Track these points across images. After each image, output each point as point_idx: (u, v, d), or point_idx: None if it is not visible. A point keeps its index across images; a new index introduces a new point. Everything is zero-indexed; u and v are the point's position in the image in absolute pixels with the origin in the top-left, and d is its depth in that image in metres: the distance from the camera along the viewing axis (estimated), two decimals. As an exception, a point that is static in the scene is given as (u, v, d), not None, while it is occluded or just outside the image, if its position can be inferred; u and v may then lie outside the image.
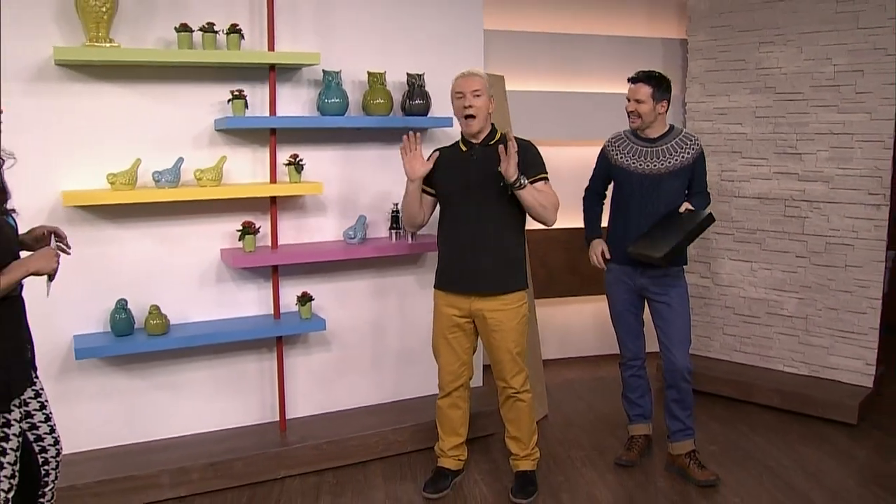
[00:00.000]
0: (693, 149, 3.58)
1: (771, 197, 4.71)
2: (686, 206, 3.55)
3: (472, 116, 3.26)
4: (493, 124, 3.40)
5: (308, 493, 3.55)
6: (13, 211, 2.29)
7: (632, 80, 3.59)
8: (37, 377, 2.46)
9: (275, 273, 3.86)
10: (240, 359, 3.89)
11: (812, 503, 3.44)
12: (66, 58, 3.24)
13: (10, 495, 2.24)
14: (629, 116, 3.61)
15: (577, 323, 5.57)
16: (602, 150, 3.78)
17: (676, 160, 3.55)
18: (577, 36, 5.21)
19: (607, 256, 3.73)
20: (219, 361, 3.84)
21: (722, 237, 4.94)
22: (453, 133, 4.18)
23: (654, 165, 3.57)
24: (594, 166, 3.85)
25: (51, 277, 2.30)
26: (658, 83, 3.55)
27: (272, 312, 3.89)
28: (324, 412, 4.10)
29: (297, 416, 4.02)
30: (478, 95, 3.25)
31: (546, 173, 3.34)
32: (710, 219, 3.54)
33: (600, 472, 3.77)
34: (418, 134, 3.38)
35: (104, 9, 3.21)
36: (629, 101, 3.58)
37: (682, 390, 3.65)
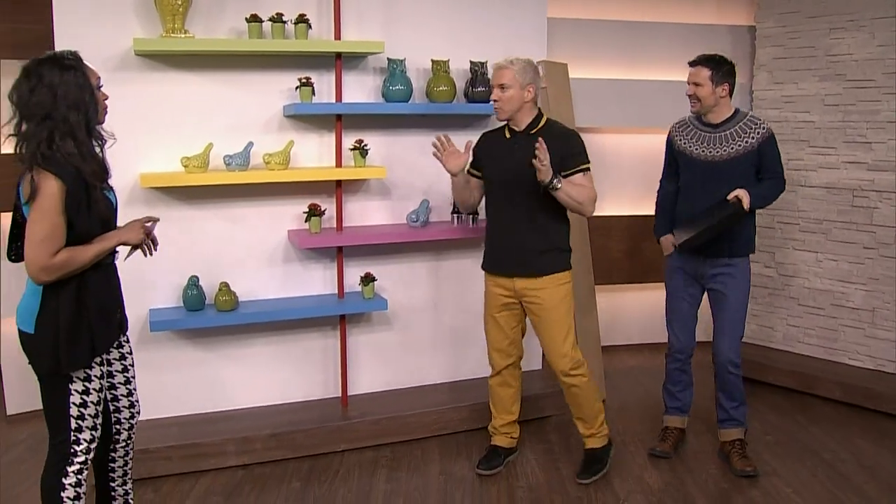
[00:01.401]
0: (758, 133, 3.49)
1: (839, 187, 4.63)
2: (736, 193, 3.41)
3: (497, 108, 3.37)
4: (540, 111, 3.42)
5: (365, 467, 3.70)
6: (112, 188, 2.53)
7: (691, 64, 3.57)
8: (126, 341, 2.67)
9: (339, 254, 4.01)
10: (304, 336, 4.06)
11: (866, 496, 3.41)
12: (144, 48, 3.45)
13: (93, 446, 2.46)
14: (690, 101, 3.58)
15: (638, 310, 5.57)
16: (668, 136, 3.77)
17: (739, 146, 3.49)
18: (644, 23, 5.19)
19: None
20: (284, 338, 4.02)
21: (787, 227, 4.88)
22: (514, 120, 4.27)
23: (716, 152, 3.53)
24: (664, 156, 3.82)
25: (134, 248, 2.53)
26: (717, 66, 3.50)
27: (336, 292, 4.04)
28: (384, 390, 4.25)
29: (358, 393, 4.17)
30: (505, 88, 3.31)
31: (585, 164, 3.35)
32: (737, 216, 3.40)
33: (652, 457, 3.80)
34: (443, 135, 3.47)
35: (180, 2, 3.40)
36: (689, 84, 3.56)
37: (728, 381, 3.65)
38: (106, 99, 2.48)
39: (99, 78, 2.42)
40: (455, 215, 4.15)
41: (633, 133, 5.23)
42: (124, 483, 2.73)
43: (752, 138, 3.49)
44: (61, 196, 2.24)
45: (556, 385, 4.29)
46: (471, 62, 4.07)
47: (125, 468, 2.72)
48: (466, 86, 4.10)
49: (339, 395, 4.10)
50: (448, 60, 4.02)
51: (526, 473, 3.64)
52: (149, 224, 2.57)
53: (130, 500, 2.78)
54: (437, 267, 4.29)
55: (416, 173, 4.16)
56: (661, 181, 3.86)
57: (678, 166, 3.71)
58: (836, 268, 4.69)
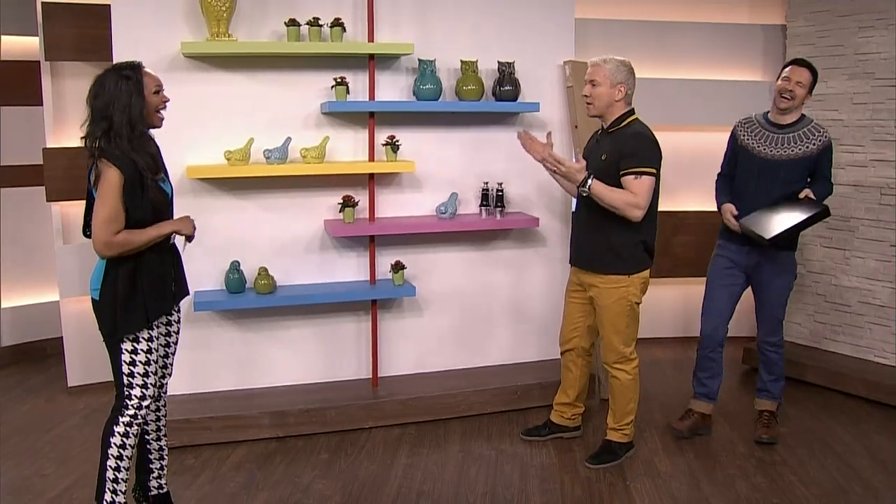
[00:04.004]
0: (820, 140, 3.70)
1: (866, 185, 4.67)
2: (807, 192, 3.64)
3: (589, 104, 3.52)
4: (626, 113, 3.49)
5: (390, 443, 3.94)
6: (168, 180, 2.90)
7: (796, 63, 3.73)
8: (178, 311, 3.01)
9: (371, 243, 4.26)
10: (338, 319, 4.32)
11: (871, 487, 3.50)
12: (191, 51, 3.77)
13: (144, 403, 2.80)
14: (780, 95, 3.70)
15: (668, 304, 5.67)
16: (732, 131, 3.95)
17: (801, 149, 3.69)
18: (675, 23, 5.30)
19: (735, 213, 3.79)
20: (319, 321, 4.29)
21: (815, 224, 4.92)
22: (541, 117, 4.46)
23: (778, 152, 3.72)
24: (725, 149, 3.99)
25: (188, 239, 2.92)
26: (816, 75, 3.72)
27: (368, 278, 4.29)
28: (413, 372, 4.48)
29: (388, 375, 4.42)
30: (596, 85, 3.45)
31: (636, 167, 3.35)
32: (826, 212, 3.64)
33: (665, 443, 3.95)
34: (522, 131, 3.66)
35: (224, 7, 3.69)
36: (787, 80, 3.68)
37: (767, 357, 3.95)
38: (166, 101, 2.83)
39: (159, 83, 2.79)
40: (483, 207, 4.35)
41: (664, 131, 5.32)
42: (158, 439, 3.05)
43: (814, 144, 3.70)
44: (119, 183, 2.62)
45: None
46: (499, 62, 4.26)
47: (158, 423, 3.04)
48: (494, 85, 4.29)
49: (370, 375, 4.35)
50: (477, 61, 4.22)
51: (541, 453, 3.83)
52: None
53: (165, 455, 3.10)
54: (465, 257, 4.50)
55: (446, 168, 4.37)
56: (718, 175, 4.01)
57: (737, 161, 3.88)
58: (863, 265, 4.73)
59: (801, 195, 3.63)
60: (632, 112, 3.52)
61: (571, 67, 4.41)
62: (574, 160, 4.36)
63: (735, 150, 3.89)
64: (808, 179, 3.76)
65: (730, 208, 3.82)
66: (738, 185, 3.85)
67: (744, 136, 3.85)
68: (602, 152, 3.48)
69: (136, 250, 2.69)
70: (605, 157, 3.45)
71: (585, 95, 3.50)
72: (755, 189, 3.74)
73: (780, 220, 3.60)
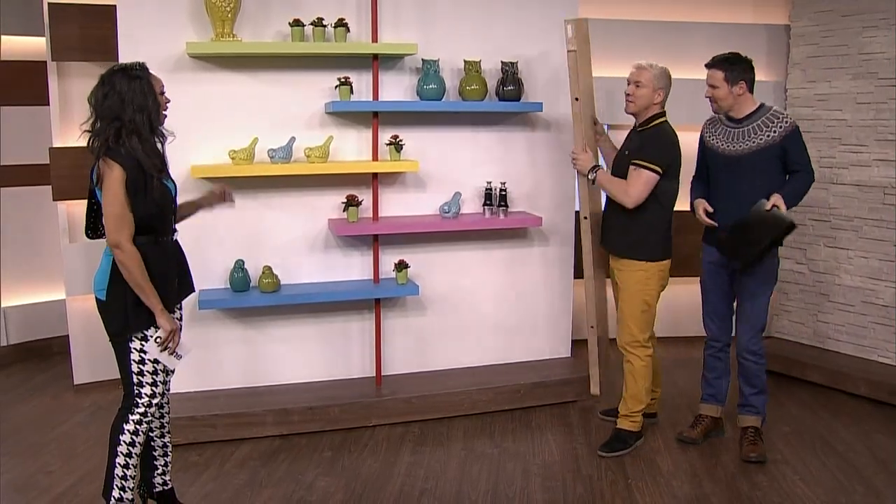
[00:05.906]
0: (781, 126, 3.54)
1: (870, 185, 4.67)
2: (775, 200, 3.46)
3: (630, 101, 3.73)
4: (657, 115, 3.70)
5: (394, 441, 3.96)
6: (171, 178, 2.92)
7: (707, 66, 3.68)
8: (180, 308, 3.04)
9: (375, 242, 4.28)
10: (342, 318, 4.34)
11: (872, 486, 3.50)
12: (196, 51, 3.79)
13: (154, 401, 2.84)
14: (710, 102, 3.71)
15: (673, 303, 5.65)
16: (700, 133, 3.89)
17: (761, 140, 3.56)
18: (679, 23, 5.30)
19: (710, 210, 3.72)
20: (323, 319, 4.31)
21: (819, 224, 4.93)
22: (543, 117, 4.48)
23: (738, 146, 3.61)
24: (696, 154, 3.92)
25: (161, 343, 2.77)
26: (730, 66, 3.59)
27: (372, 277, 4.31)
28: (417, 371, 4.50)
29: (392, 373, 4.43)
30: (640, 86, 3.67)
31: (639, 161, 3.60)
32: (792, 227, 3.46)
33: (666, 441, 3.96)
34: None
35: (229, 8, 3.72)
36: (706, 88, 3.68)
37: (745, 367, 3.77)
38: (168, 103, 2.87)
39: (162, 85, 2.84)
40: (486, 207, 4.37)
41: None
42: (162, 436, 3.08)
43: (774, 132, 3.55)
44: (122, 180, 2.64)
45: (581, 372, 4.50)
46: (502, 62, 4.27)
47: (162, 420, 3.06)
48: (497, 85, 4.30)
49: (373, 374, 4.37)
50: (480, 61, 4.23)
51: (543, 451, 3.85)
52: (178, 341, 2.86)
53: (169, 452, 3.13)
54: (468, 256, 4.51)
55: (449, 167, 4.38)
56: (692, 179, 3.92)
57: (708, 164, 3.82)
58: (866, 265, 4.73)
59: (768, 206, 3.44)
60: (662, 114, 3.73)
61: (574, 27, 4.02)
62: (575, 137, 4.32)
63: (704, 152, 3.83)
64: (787, 171, 3.61)
65: (702, 203, 3.75)
66: (711, 188, 3.78)
67: (709, 136, 3.78)
68: (627, 148, 3.76)
69: (129, 279, 2.67)
70: (627, 153, 3.72)
71: (628, 94, 3.71)
72: (726, 188, 3.67)
73: (752, 243, 3.47)
